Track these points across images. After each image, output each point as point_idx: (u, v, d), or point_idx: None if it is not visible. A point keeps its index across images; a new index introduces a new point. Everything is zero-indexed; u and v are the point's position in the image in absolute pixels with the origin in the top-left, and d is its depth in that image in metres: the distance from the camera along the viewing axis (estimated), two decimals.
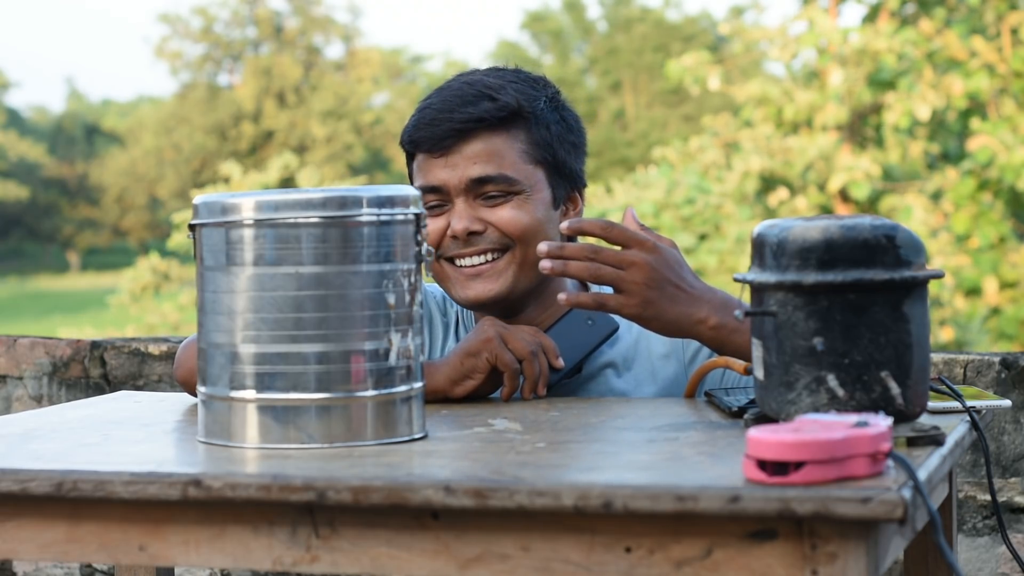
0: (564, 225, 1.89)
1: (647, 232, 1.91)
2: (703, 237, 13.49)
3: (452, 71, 2.24)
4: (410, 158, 2.20)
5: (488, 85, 2.15)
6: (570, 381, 2.14)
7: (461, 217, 2.12)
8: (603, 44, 43.26)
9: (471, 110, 2.12)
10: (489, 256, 2.14)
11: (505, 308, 2.15)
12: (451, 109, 2.13)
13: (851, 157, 14.34)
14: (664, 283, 1.89)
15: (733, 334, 1.92)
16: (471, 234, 2.12)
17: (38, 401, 3.33)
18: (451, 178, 2.12)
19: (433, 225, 2.15)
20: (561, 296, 1.88)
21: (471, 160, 2.12)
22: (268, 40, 43.14)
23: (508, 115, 2.13)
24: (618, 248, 1.90)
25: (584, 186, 2.24)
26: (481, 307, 2.15)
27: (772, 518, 1.39)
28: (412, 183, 2.20)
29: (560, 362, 2.02)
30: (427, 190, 2.14)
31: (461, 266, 2.14)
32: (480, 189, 2.13)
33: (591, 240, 2.07)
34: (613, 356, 2.15)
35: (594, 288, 2.20)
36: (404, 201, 1.70)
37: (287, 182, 18.19)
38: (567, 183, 2.19)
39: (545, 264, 1.88)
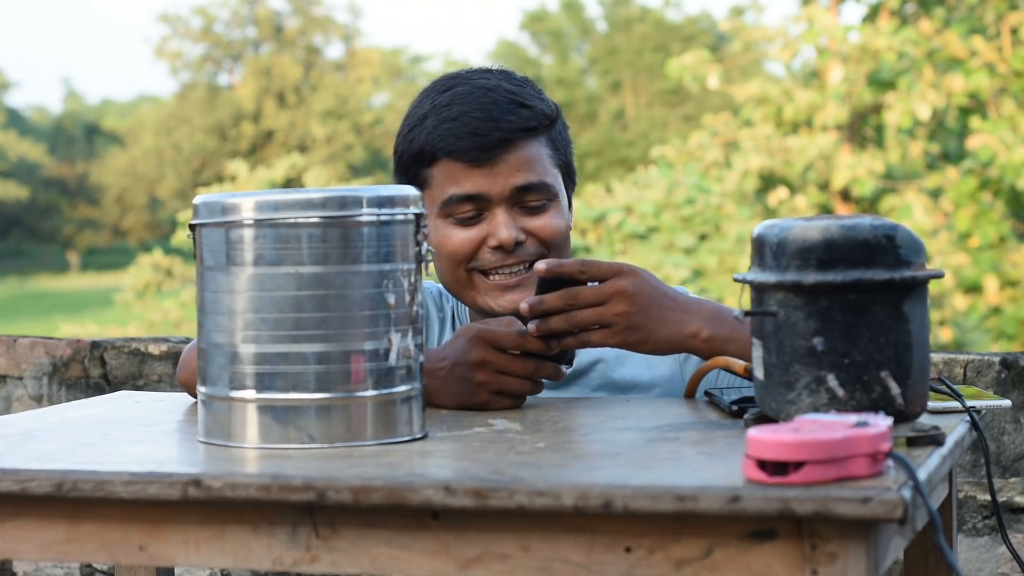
0: (540, 266, 1.88)
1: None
2: (703, 237, 13.48)
3: (452, 71, 2.21)
4: (427, 163, 2.12)
5: (510, 91, 2.12)
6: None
7: (508, 227, 2.09)
8: (603, 44, 43.26)
9: (514, 118, 2.09)
10: (524, 267, 2.12)
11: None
12: (493, 118, 2.08)
13: (851, 157, 14.34)
14: (648, 304, 1.88)
15: (727, 344, 1.92)
16: (516, 244, 2.10)
17: (38, 401, 3.33)
18: (494, 187, 2.09)
19: (463, 235, 2.11)
20: (553, 343, 1.89)
21: (514, 168, 2.09)
22: (268, 40, 43.12)
23: (547, 123, 2.12)
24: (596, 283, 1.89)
25: (576, 185, 2.25)
26: (508, 315, 2.13)
27: (772, 518, 1.39)
28: (421, 189, 2.13)
29: (554, 346, 1.92)
30: (463, 199, 2.09)
31: (494, 277, 2.12)
32: (522, 197, 2.10)
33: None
34: (604, 352, 2.15)
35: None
36: (404, 201, 1.70)
37: (292, 181, 18.20)
38: (571, 185, 2.21)
39: (531, 326, 1.89)
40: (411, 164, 2.15)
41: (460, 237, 2.11)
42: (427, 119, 2.13)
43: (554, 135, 2.15)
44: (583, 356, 2.15)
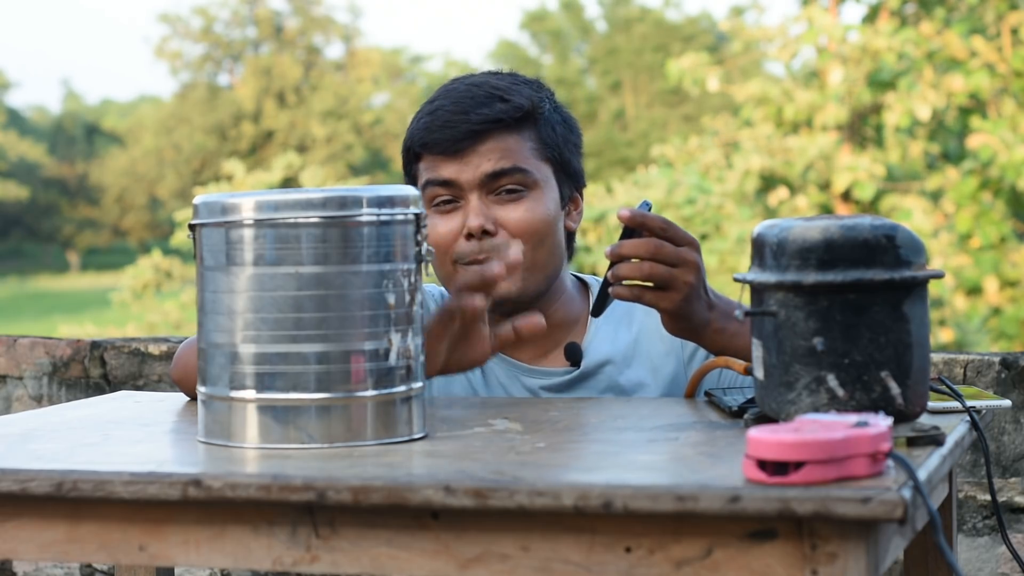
0: (624, 214, 1.88)
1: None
2: (704, 237, 13.49)
3: (452, 71, 2.26)
4: (415, 159, 2.17)
5: (495, 87, 2.14)
6: (570, 377, 2.14)
7: (477, 214, 2.10)
8: (603, 44, 43.28)
9: (486, 111, 2.11)
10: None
11: (514, 308, 2.15)
12: (465, 111, 2.11)
13: (851, 157, 14.34)
14: (701, 285, 1.92)
15: (733, 338, 1.96)
16: (484, 232, 2.11)
17: (38, 401, 3.33)
18: (464, 174, 2.11)
19: (445, 226, 2.12)
20: (611, 290, 1.89)
21: (485, 157, 2.11)
22: (268, 40, 43.13)
23: (522, 116, 2.13)
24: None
25: (584, 186, 2.24)
26: (491, 307, 2.14)
27: (772, 518, 1.39)
28: (414, 184, 2.18)
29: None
30: (437, 183, 2.12)
31: (472, 267, 2.13)
32: (495, 184, 2.11)
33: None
34: (613, 354, 2.16)
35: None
36: (404, 201, 1.70)
37: (290, 182, 18.20)
38: (571, 183, 2.20)
39: (609, 274, 1.89)
40: (405, 161, 2.20)
41: (441, 228, 2.13)
42: (416, 117, 2.18)
43: (543, 131, 2.15)
44: (591, 358, 2.15)
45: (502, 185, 2.12)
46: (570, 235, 2.20)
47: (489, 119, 2.11)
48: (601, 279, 2.26)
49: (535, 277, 2.12)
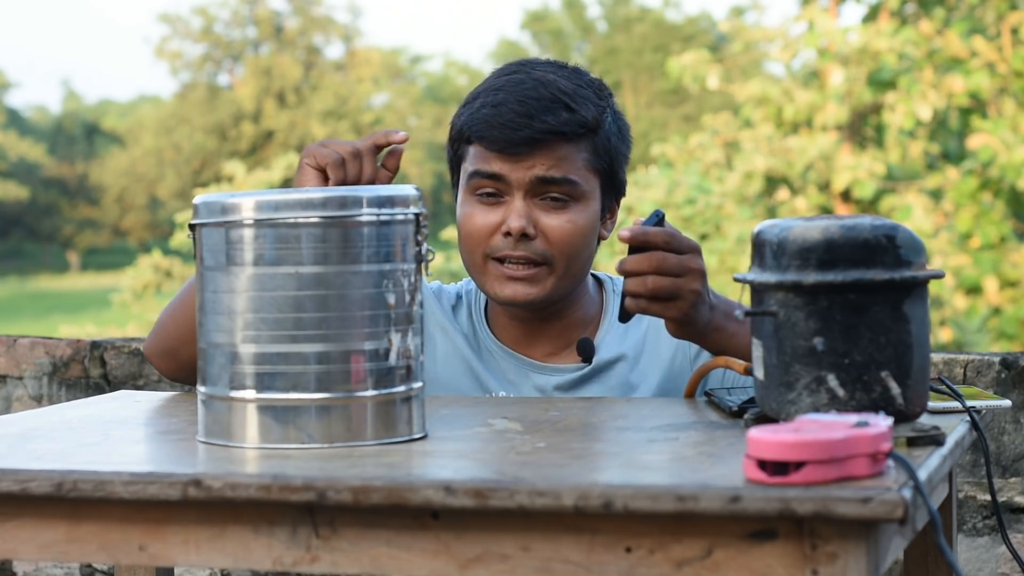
0: (624, 234, 1.88)
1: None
2: (704, 237, 13.49)
3: (452, 71, 2.25)
4: (466, 142, 2.15)
5: (563, 90, 2.12)
6: (582, 374, 2.15)
7: (520, 215, 2.10)
8: (603, 44, 43.30)
9: (550, 120, 2.09)
10: (530, 266, 2.12)
11: (538, 310, 2.16)
12: (530, 114, 2.09)
13: (851, 157, 14.34)
14: (706, 288, 1.92)
15: (733, 338, 1.96)
16: (524, 235, 2.10)
17: (38, 401, 3.33)
18: (514, 172, 2.10)
19: (484, 218, 2.13)
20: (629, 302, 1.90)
21: (539, 160, 2.10)
22: (268, 40, 43.13)
23: (583, 131, 2.11)
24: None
25: (624, 196, 2.24)
26: (514, 306, 2.15)
27: (772, 518, 1.39)
28: (459, 162, 2.18)
29: (400, 135, 1.99)
30: (486, 175, 2.12)
31: (506, 266, 2.12)
32: (542, 189, 2.11)
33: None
34: (624, 349, 2.17)
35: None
36: (404, 201, 1.70)
37: (291, 182, 18.17)
38: (614, 194, 2.20)
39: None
40: (455, 139, 2.19)
41: (480, 220, 2.13)
42: (477, 99, 2.16)
43: (598, 142, 2.13)
44: (603, 354, 2.16)
45: (548, 192, 2.11)
46: (599, 241, 2.20)
47: (552, 129, 2.09)
48: (608, 275, 2.27)
49: (564, 284, 2.13)
